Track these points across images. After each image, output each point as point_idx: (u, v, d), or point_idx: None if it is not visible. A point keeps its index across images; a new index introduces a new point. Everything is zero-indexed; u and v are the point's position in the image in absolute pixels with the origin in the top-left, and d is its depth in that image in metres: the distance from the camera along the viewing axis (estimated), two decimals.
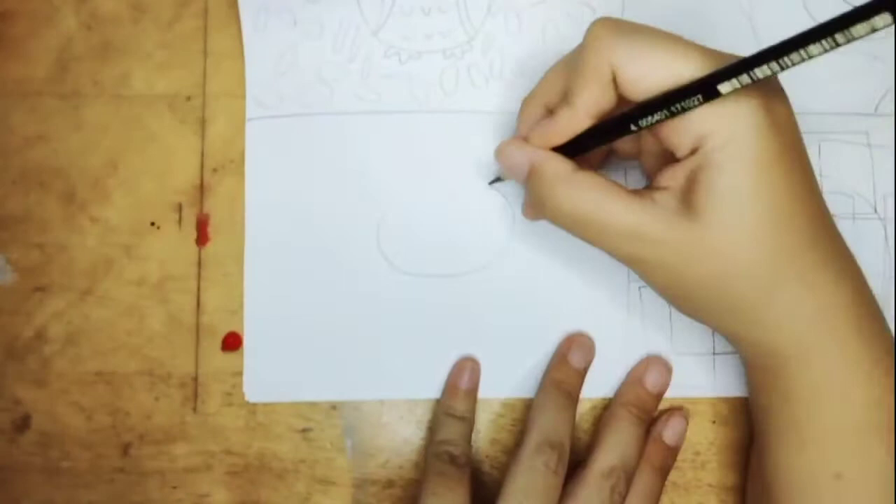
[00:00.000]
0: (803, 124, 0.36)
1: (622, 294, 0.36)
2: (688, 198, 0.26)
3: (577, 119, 0.28)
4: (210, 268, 0.36)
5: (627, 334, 0.36)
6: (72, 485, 0.35)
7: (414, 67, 0.36)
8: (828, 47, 0.21)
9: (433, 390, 0.36)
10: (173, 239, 0.36)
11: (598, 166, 0.34)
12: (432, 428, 0.35)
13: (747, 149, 0.25)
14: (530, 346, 0.36)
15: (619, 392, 0.35)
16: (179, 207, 0.36)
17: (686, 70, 0.25)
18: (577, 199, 0.28)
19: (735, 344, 0.29)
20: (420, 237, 0.36)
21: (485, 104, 0.36)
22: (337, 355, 0.36)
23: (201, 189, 0.36)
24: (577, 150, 0.29)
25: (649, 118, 0.26)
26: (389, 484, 0.36)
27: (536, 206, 0.30)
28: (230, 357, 0.36)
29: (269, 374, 0.36)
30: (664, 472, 0.34)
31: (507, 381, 0.36)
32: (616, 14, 0.36)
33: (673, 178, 0.27)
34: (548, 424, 0.33)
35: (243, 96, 0.36)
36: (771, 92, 0.26)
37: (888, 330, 0.29)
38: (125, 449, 0.36)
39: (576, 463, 0.33)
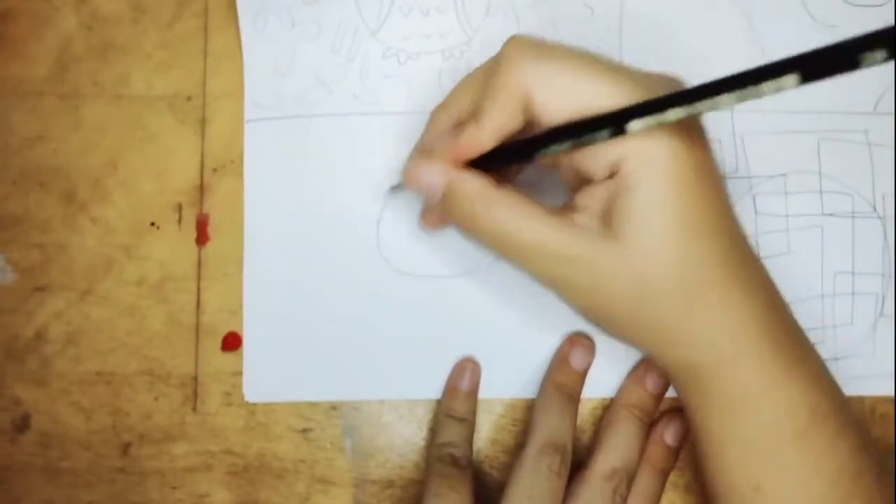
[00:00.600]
0: (803, 123, 0.36)
1: None
2: (606, 219, 0.26)
3: (483, 138, 0.27)
4: (210, 268, 0.36)
5: None
6: (72, 485, 0.35)
7: (413, 68, 0.37)
8: (733, 101, 0.21)
9: (433, 390, 0.36)
10: (173, 239, 0.36)
11: (516, 175, 0.33)
12: (433, 429, 0.35)
13: (661, 169, 0.25)
14: (530, 346, 0.36)
15: (620, 393, 0.35)
16: (179, 207, 0.36)
17: (597, 100, 0.25)
18: (496, 218, 0.27)
19: (657, 361, 0.29)
20: (420, 237, 0.36)
21: None
22: (337, 355, 0.36)
23: (201, 189, 0.36)
24: (487, 166, 0.28)
25: (555, 147, 0.25)
26: (389, 484, 0.36)
27: (456, 224, 0.29)
28: (230, 357, 0.36)
29: (269, 374, 0.36)
30: (665, 472, 0.34)
31: (507, 381, 0.36)
32: (615, 14, 0.36)
33: (591, 198, 0.27)
34: (550, 427, 0.33)
35: (243, 96, 0.36)
36: (688, 126, 0.26)
37: (801, 335, 0.29)
38: (125, 449, 0.36)
39: (577, 464, 0.33)
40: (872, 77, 0.36)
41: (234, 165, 0.36)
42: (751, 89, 0.21)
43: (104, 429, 0.36)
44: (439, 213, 0.31)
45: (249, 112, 0.36)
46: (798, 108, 0.36)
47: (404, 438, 0.36)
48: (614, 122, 0.24)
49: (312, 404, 0.36)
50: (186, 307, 0.36)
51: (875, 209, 0.36)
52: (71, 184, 0.36)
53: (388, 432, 0.36)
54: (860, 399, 0.36)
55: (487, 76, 0.27)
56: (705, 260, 0.26)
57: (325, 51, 0.36)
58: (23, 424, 0.36)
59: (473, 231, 0.28)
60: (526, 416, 0.36)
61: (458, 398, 0.35)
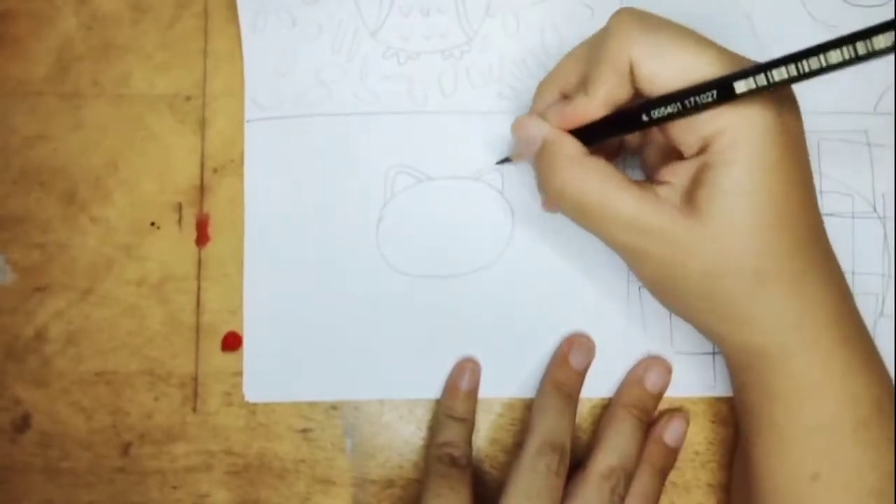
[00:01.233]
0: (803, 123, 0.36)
1: (622, 294, 0.36)
2: (690, 194, 0.27)
3: (592, 107, 0.28)
4: (210, 268, 0.36)
5: (627, 334, 0.36)
6: (72, 485, 0.35)
7: (413, 68, 0.37)
8: (847, 56, 0.21)
9: (433, 390, 0.36)
10: (173, 239, 0.36)
11: (611, 158, 0.34)
12: (433, 429, 0.35)
13: (754, 150, 0.25)
14: (530, 346, 0.36)
15: (619, 392, 0.35)
16: (179, 207, 0.36)
17: (704, 71, 0.25)
18: (583, 182, 0.28)
19: (719, 343, 0.29)
20: (420, 237, 0.36)
21: (484, 105, 0.36)
22: (337, 355, 0.36)
23: (201, 189, 0.36)
24: (590, 139, 0.29)
25: (662, 109, 0.26)
26: (389, 484, 0.36)
27: (542, 183, 0.30)
28: (230, 357, 0.36)
29: (269, 374, 0.36)
30: (664, 472, 0.34)
31: (506, 381, 0.36)
32: None
33: (677, 174, 0.27)
34: (549, 426, 0.33)
35: (243, 96, 0.36)
36: (783, 99, 0.26)
37: (867, 334, 0.29)
38: (125, 449, 0.36)
39: (576, 463, 0.33)
40: (872, 77, 0.36)
41: (234, 165, 0.36)
42: (862, 44, 0.21)
43: (104, 429, 0.36)
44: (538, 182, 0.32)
45: (250, 112, 0.36)
46: None
47: (404, 438, 0.36)
48: (721, 85, 0.24)
49: (312, 404, 0.36)
50: (186, 307, 0.36)
51: (875, 209, 0.36)
52: (71, 184, 0.36)
53: (388, 432, 0.36)
54: None
55: (595, 49, 0.28)
56: (783, 248, 0.26)
57: (325, 51, 0.36)
58: (23, 424, 0.36)
59: (560, 192, 0.29)
60: (525, 416, 0.36)
61: (457, 398, 0.35)
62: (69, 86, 0.37)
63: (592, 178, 0.28)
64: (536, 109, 0.31)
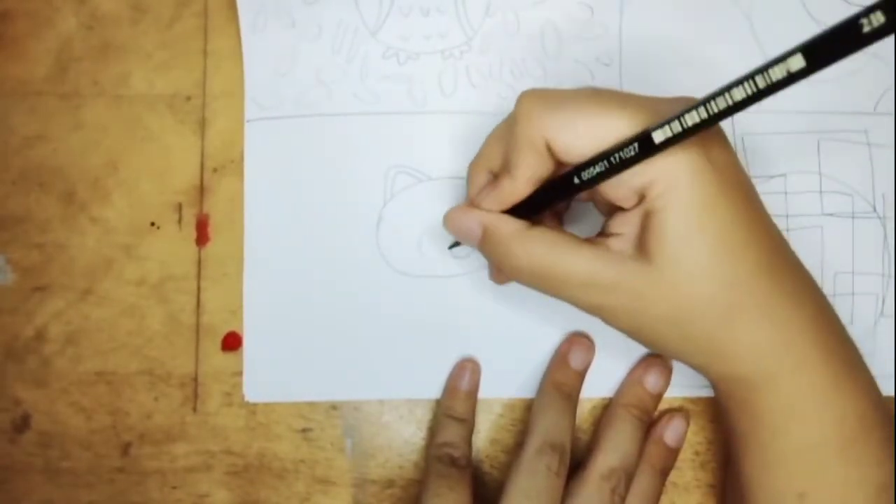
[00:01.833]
0: (803, 123, 0.36)
1: None
2: (640, 242, 0.27)
3: (518, 187, 0.28)
4: (210, 268, 0.36)
5: None
6: (72, 485, 0.35)
7: (412, 68, 0.37)
8: (750, 91, 0.22)
9: (433, 390, 0.36)
10: (173, 239, 0.36)
11: (564, 212, 0.34)
12: (433, 429, 0.35)
13: (689, 190, 0.25)
14: (530, 346, 0.36)
15: (619, 392, 0.35)
16: (179, 207, 0.36)
17: (614, 132, 0.26)
18: (533, 254, 0.28)
19: (703, 374, 0.29)
20: (420, 237, 0.36)
21: (484, 105, 0.36)
22: (337, 355, 0.36)
23: (201, 189, 0.36)
24: (529, 211, 0.29)
25: (591, 170, 0.26)
26: (389, 484, 0.36)
27: (496, 264, 0.30)
28: (230, 357, 0.36)
29: (269, 374, 0.36)
30: (664, 473, 0.34)
31: (506, 381, 0.36)
32: (615, 14, 0.36)
33: (624, 224, 0.27)
34: (549, 426, 0.33)
35: (243, 96, 0.36)
36: (708, 138, 0.26)
37: (849, 343, 0.29)
38: (125, 449, 0.36)
39: (576, 463, 0.33)
40: (872, 77, 0.36)
41: (234, 165, 0.36)
42: (761, 77, 0.21)
43: (104, 429, 0.36)
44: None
45: (250, 112, 0.36)
46: (798, 108, 0.36)
47: (404, 438, 0.36)
48: (640, 138, 0.25)
49: (312, 404, 0.36)
50: (186, 307, 0.36)
51: (875, 209, 0.36)
52: (71, 184, 0.36)
53: (388, 432, 0.36)
54: None
55: (509, 133, 0.28)
56: (745, 277, 0.26)
57: (325, 51, 0.36)
58: (23, 424, 0.36)
59: (514, 270, 0.29)
60: (525, 416, 0.36)
61: (457, 398, 0.35)
62: (69, 86, 0.37)
63: (540, 248, 0.28)
64: (471, 193, 0.31)
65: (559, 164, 0.28)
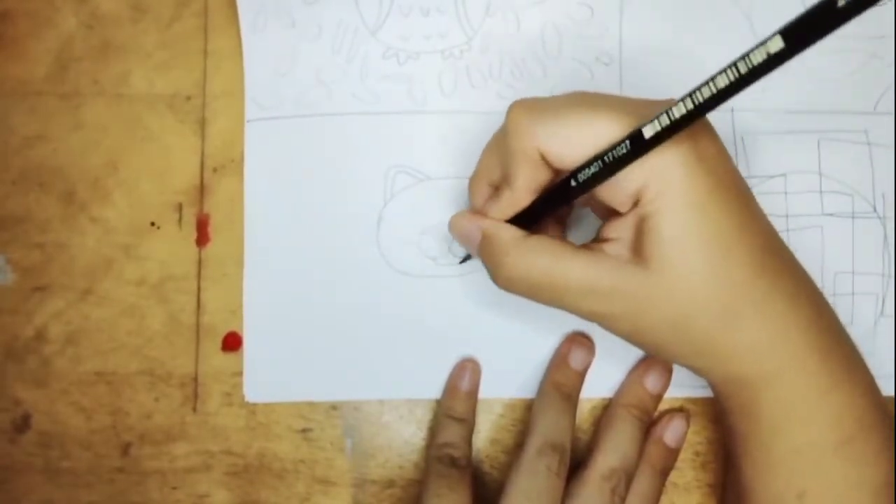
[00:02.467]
0: (803, 123, 0.36)
1: None
2: (636, 247, 0.27)
3: (518, 198, 0.29)
4: (210, 268, 0.36)
5: None
6: (72, 485, 0.35)
7: (412, 68, 0.37)
8: (733, 77, 0.22)
9: (433, 390, 0.36)
10: (173, 239, 0.36)
11: (567, 217, 0.34)
12: (433, 429, 0.35)
13: (681, 192, 0.25)
14: (530, 346, 0.36)
15: (619, 393, 0.35)
16: (179, 207, 0.36)
17: (604, 135, 0.26)
18: (529, 263, 0.28)
19: (701, 376, 0.30)
20: (420, 237, 0.36)
21: (484, 105, 0.36)
22: (337, 355, 0.36)
23: (201, 189, 0.36)
24: (530, 220, 0.29)
25: (586, 171, 0.26)
26: (389, 484, 0.36)
27: (492, 271, 0.30)
28: (230, 357, 0.36)
29: (269, 374, 0.36)
30: (664, 473, 0.34)
31: (507, 381, 0.36)
32: (615, 14, 0.36)
33: (619, 229, 0.27)
34: (549, 427, 0.33)
35: (243, 96, 0.36)
36: (697, 134, 0.26)
37: (847, 342, 0.29)
38: (125, 449, 0.36)
39: (576, 463, 0.33)
40: (872, 77, 0.36)
41: (234, 165, 0.36)
42: (742, 63, 0.21)
43: (104, 429, 0.36)
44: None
45: (250, 112, 0.36)
46: (798, 108, 0.36)
47: (404, 438, 0.36)
48: (630, 135, 0.25)
49: (312, 404, 0.36)
50: (186, 307, 0.36)
51: (875, 209, 0.36)
52: (71, 184, 0.36)
53: (388, 432, 0.36)
54: None
55: (503, 142, 0.28)
56: (741, 277, 0.26)
57: (325, 51, 0.36)
58: (23, 424, 0.36)
59: (509, 279, 0.29)
60: (525, 416, 0.36)
61: (457, 398, 0.35)
62: (69, 86, 0.37)
63: (537, 257, 0.28)
64: (475, 207, 0.31)
65: (556, 171, 0.28)
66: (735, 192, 0.27)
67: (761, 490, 0.29)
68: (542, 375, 0.35)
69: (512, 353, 0.36)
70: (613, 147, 0.25)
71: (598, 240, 0.29)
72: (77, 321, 0.36)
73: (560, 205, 0.29)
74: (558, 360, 0.35)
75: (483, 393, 0.35)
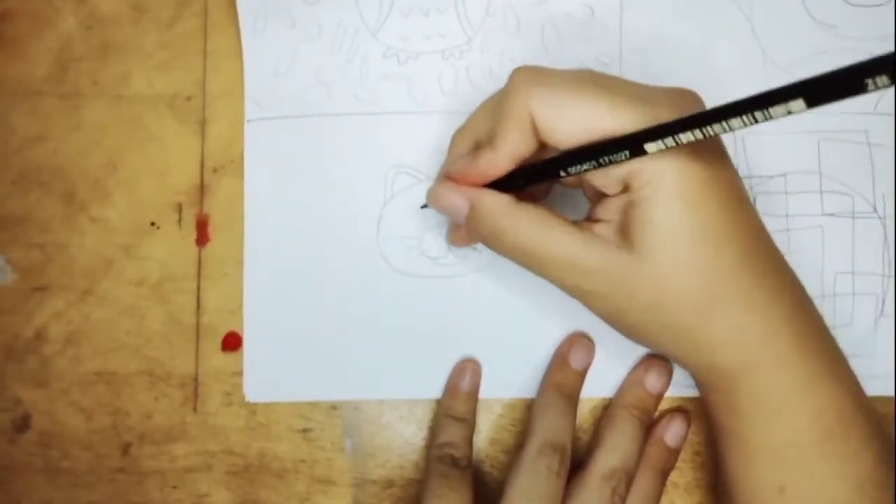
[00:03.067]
0: (803, 123, 0.36)
1: None
2: (623, 230, 0.27)
3: (498, 162, 0.28)
4: (210, 268, 0.36)
5: None
6: (72, 485, 0.35)
7: (413, 68, 0.37)
8: (746, 122, 0.22)
9: (433, 390, 0.36)
10: (173, 239, 0.36)
11: (544, 195, 0.34)
12: (433, 429, 0.35)
13: (673, 182, 0.25)
14: (530, 346, 0.36)
15: (620, 393, 0.35)
16: (179, 207, 0.36)
17: (600, 122, 0.26)
18: (520, 231, 0.28)
19: (683, 366, 0.30)
20: (420, 237, 0.36)
21: None
22: (337, 355, 0.36)
23: (201, 189, 0.36)
24: (510, 187, 0.29)
25: (578, 167, 0.26)
26: (389, 484, 0.36)
27: (482, 239, 0.30)
28: (230, 357, 0.36)
29: (269, 374, 0.36)
30: (665, 473, 0.34)
31: (507, 381, 0.36)
32: (615, 14, 0.36)
33: (608, 211, 0.27)
34: (549, 427, 0.33)
35: (243, 96, 0.36)
36: None
37: (831, 341, 0.29)
38: (125, 449, 0.36)
39: (576, 463, 0.33)
40: None
41: (234, 165, 0.36)
42: (760, 113, 0.21)
43: (104, 429, 0.36)
44: (466, 231, 0.32)
45: (250, 112, 0.36)
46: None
47: (404, 438, 0.36)
48: (631, 145, 0.25)
49: (312, 404, 0.36)
50: (186, 307, 0.36)
51: (875, 209, 0.36)
52: (71, 184, 0.36)
53: (388, 432, 0.36)
54: None
55: (500, 105, 0.28)
56: (725, 269, 0.26)
57: (325, 51, 0.36)
58: (23, 424, 0.36)
59: (499, 245, 0.29)
60: (525, 416, 0.36)
61: (458, 398, 0.35)
62: (69, 86, 0.37)
63: (528, 226, 0.28)
64: (449, 159, 0.31)
65: (542, 146, 0.28)
66: (729, 187, 0.27)
67: (742, 483, 0.29)
68: (542, 375, 0.35)
69: (512, 353, 0.36)
70: (612, 151, 0.25)
71: (589, 219, 0.29)
72: (77, 321, 0.36)
73: (540, 181, 0.29)
74: (558, 360, 0.35)
75: (483, 393, 0.35)
